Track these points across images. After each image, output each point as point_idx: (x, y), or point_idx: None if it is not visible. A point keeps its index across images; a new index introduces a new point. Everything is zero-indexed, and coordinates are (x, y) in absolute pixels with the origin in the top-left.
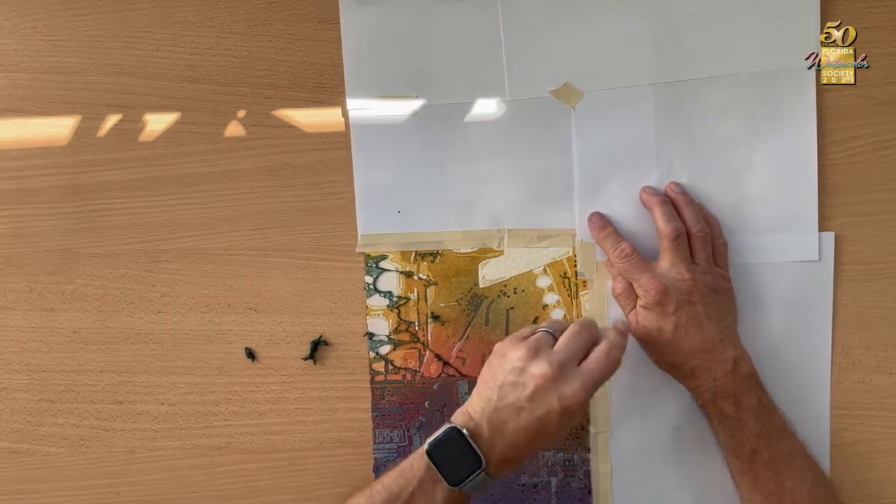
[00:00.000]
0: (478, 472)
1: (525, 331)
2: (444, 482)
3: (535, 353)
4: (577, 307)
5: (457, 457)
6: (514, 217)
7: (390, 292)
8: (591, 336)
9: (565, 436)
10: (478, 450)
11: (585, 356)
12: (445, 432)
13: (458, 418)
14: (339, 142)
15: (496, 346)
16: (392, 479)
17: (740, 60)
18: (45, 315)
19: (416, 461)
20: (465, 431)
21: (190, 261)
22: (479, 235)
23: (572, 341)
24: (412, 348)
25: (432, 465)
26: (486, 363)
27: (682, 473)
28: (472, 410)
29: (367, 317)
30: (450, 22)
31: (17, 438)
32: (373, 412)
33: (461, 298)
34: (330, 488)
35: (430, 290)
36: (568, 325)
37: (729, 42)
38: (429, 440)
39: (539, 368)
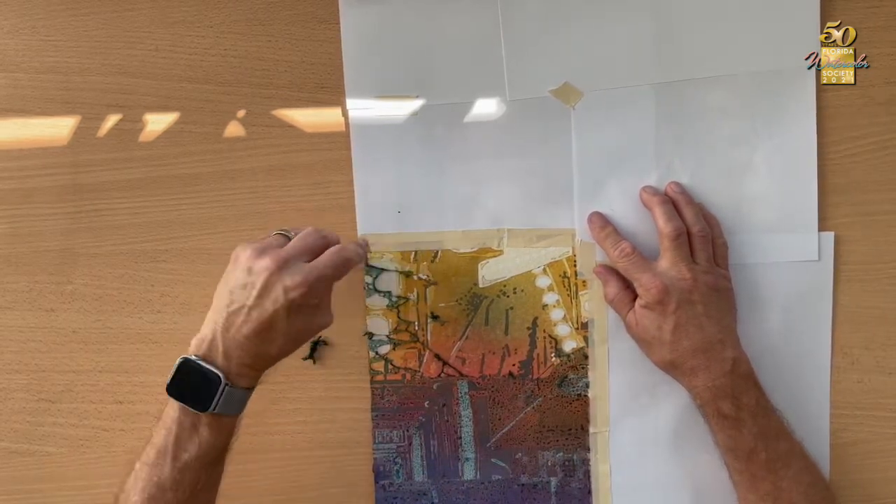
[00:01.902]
0: (221, 388)
1: (262, 236)
2: (199, 413)
3: (262, 252)
4: (576, 307)
5: (197, 383)
6: (513, 217)
7: (390, 292)
8: (323, 239)
9: (299, 338)
10: (210, 368)
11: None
12: (177, 366)
13: (191, 345)
14: (339, 142)
15: (232, 252)
16: (156, 433)
17: (740, 60)
18: (45, 315)
19: (169, 406)
20: (193, 357)
21: (190, 261)
22: (478, 235)
23: (301, 241)
24: (412, 348)
25: (179, 402)
26: (224, 273)
27: (682, 473)
28: (205, 328)
29: (367, 316)
30: (450, 22)
31: (17, 438)
32: (372, 412)
33: (461, 298)
34: (330, 488)
35: (430, 290)
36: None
37: (729, 42)
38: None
39: (263, 263)
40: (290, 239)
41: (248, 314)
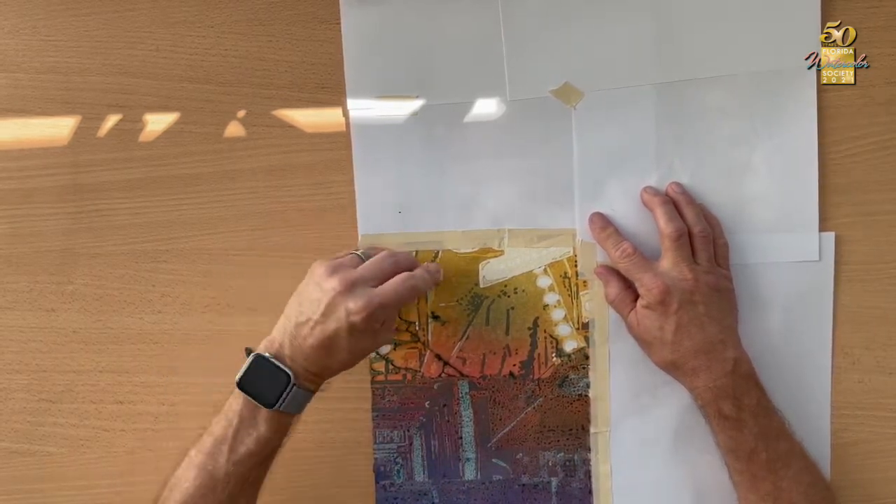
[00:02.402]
0: (288, 387)
1: (341, 253)
2: (263, 408)
3: (334, 271)
4: (577, 307)
5: (266, 380)
6: (514, 217)
7: None
8: (396, 264)
9: (360, 355)
10: (282, 366)
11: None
12: (250, 361)
13: (262, 345)
14: (339, 142)
15: (311, 266)
16: (215, 423)
17: (740, 60)
18: (45, 315)
19: (234, 399)
20: (266, 354)
21: (190, 261)
22: (479, 235)
23: (373, 264)
24: (412, 348)
25: (246, 395)
26: (300, 284)
27: (682, 473)
28: (276, 332)
29: None
30: (450, 21)
31: (17, 438)
32: (373, 412)
33: (461, 298)
34: (330, 488)
35: (431, 290)
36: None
37: (729, 42)
38: (238, 375)
39: (332, 283)
40: (364, 260)
41: (314, 328)
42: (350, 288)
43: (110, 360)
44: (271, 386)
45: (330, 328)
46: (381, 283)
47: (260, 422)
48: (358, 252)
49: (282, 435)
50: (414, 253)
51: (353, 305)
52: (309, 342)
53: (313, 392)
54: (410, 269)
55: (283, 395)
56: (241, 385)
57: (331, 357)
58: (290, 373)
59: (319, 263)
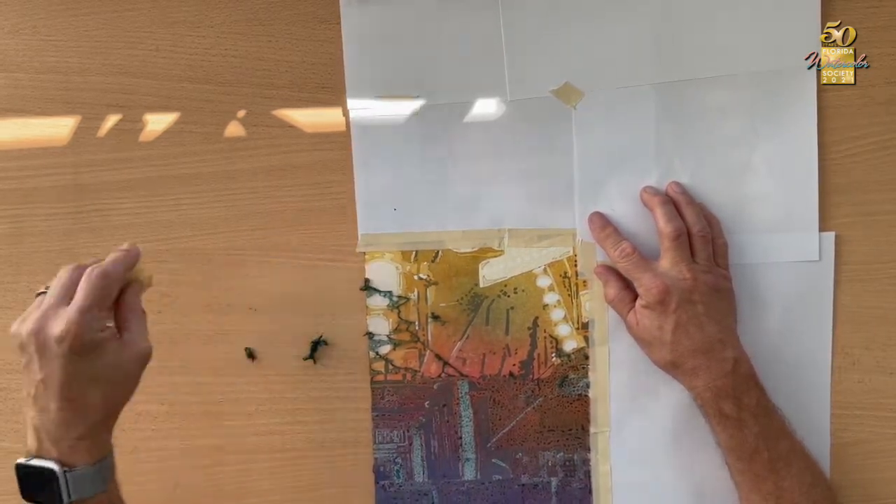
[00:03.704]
0: (59, 479)
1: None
2: None
3: (23, 321)
4: (577, 307)
5: (41, 483)
6: (514, 217)
7: (390, 292)
8: (76, 271)
9: (121, 374)
10: (42, 463)
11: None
12: (16, 472)
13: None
14: (339, 142)
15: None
16: None
17: (740, 60)
18: None
19: None
20: (22, 461)
21: (190, 261)
22: (479, 235)
23: (54, 288)
24: (412, 348)
25: None
26: None
27: (682, 473)
28: (27, 434)
29: (368, 316)
30: (450, 21)
31: (17, 438)
32: (373, 412)
33: (461, 298)
34: (330, 488)
35: (431, 290)
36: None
37: (729, 42)
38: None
39: (25, 329)
40: (45, 292)
41: (46, 388)
42: (45, 320)
43: None
44: (49, 486)
45: (56, 376)
46: (73, 296)
47: None
48: (42, 290)
49: None
50: (413, 254)
51: (57, 330)
52: (52, 406)
53: (102, 460)
54: (82, 269)
55: (65, 488)
56: (28, 498)
57: (82, 400)
58: (53, 465)
59: (11, 328)
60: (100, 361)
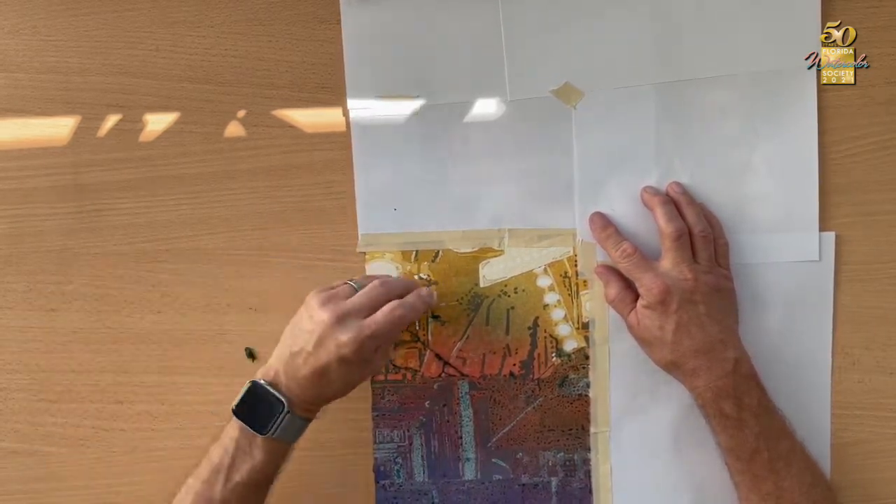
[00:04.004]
0: (282, 414)
1: (336, 282)
2: (258, 436)
3: (326, 302)
4: (577, 307)
5: (261, 407)
6: (514, 217)
7: None
8: (387, 292)
9: (354, 384)
10: (276, 393)
11: None
12: (246, 388)
13: (259, 372)
14: (339, 142)
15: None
16: (213, 450)
17: (740, 60)
18: (45, 315)
19: (230, 426)
20: (262, 381)
21: (190, 261)
22: (479, 235)
23: (364, 294)
24: (412, 348)
25: (241, 423)
26: (296, 314)
27: (682, 473)
28: (273, 359)
29: None
30: (451, 21)
31: (17, 438)
32: (373, 412)
33: (462, 298)
34: (330, 488)
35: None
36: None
37: (729, 42)
38: (234, 401)
39: (323, 315)
40: (357, 290)
41: (306, 359)
42: (340, 320)
43: (110, 360)
44: (266, 413)
45: (321, 360)
46: (373, 312)
47: (255, 450)
48: (352, 282)
49: (277, 463)
50: (414, 254)
51: (343, 338)
52: (302, 372)
53: (308, 420)
54: (403, 296)
55: (277, 423)
56: (237, 412)
57: (324, 387)
58: (283, 400)
59: (314, 294)
60: (351, 371)
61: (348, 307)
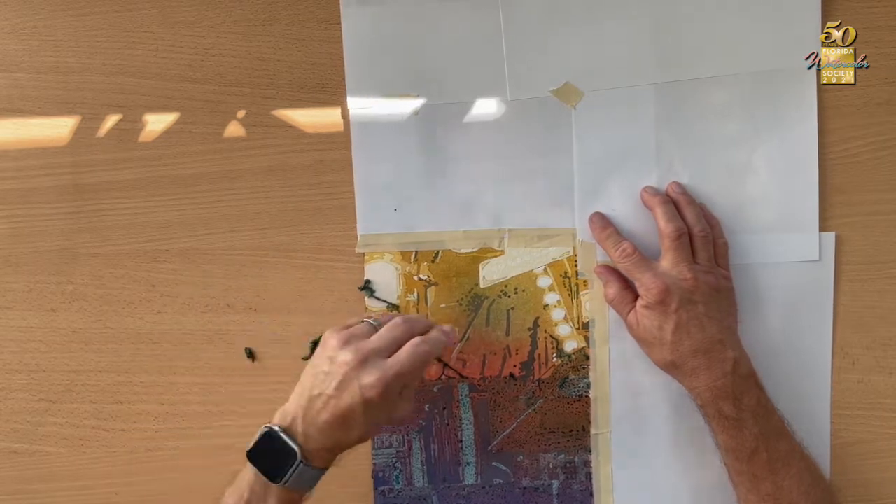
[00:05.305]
0: (295, 464)
1: (352, 320)
2: (273, 484)
3: (346, 343)
4: (577, 307)
5: (275, 455)
6: (514, 217)
7: (386, 301)
8: (409, 330)
9: (377, 427)
10: (290, 442)
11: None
12: (260, 434)
13: (276, 416)
14: (339, 142)
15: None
16: (228, 494)
17: (740, 60)
18: (45, 315)
19: (246, 470)
20: (276, 428)
21: (190, 261)
22: (479, 235)
23: (386, 333)
24: None
25: (255, 467)
26: (314, 355)
27: (683, 474)
28: (290, 403)
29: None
30: (451, 21)
31: (17, 438)
32: None
33: (462, 299)
34: (328, 495)
35: (431, 291)
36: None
37: (729, 42)
38: (248, 445)
39: (344, 357)
40: (376, 328)
41: (327, 403)
42: (363, 361)
43: (110, 360)
44: (279, 461)
45: (344, 404)
46: (394, 351)
47: (269, 497)
48: (370, 320)
49: None
50: (413, 254)
51: (367, 380)
52: (323, 417)
53: (324, 469)
54: (424, 333)
55: (291, 472)
56: (251, 457)
57: (345, 432)
58: (296, 450)
59: (332, 333)
60: (375, 415)
61: (371, 347)
